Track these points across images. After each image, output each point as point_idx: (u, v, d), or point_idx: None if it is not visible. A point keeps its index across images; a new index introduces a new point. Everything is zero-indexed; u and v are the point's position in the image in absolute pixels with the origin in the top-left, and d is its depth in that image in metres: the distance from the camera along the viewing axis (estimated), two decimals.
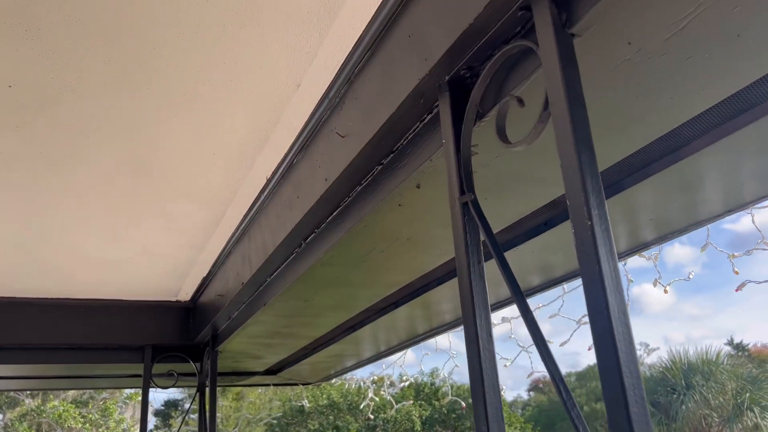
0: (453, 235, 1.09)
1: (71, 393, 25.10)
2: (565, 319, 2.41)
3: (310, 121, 1.68)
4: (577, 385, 41.30)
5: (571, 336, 2.28)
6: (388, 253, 1.97)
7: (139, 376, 3.67)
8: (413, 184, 1.45)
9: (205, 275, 3.09)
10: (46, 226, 2.36)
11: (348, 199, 1.70)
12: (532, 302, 2.74)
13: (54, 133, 1.74)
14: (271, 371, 4.18)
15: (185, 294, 3.39)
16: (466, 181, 1.09)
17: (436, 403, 23.13)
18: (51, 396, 24.41)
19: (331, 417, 22.29)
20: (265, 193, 2.13)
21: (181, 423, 4.02)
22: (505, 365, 2.60)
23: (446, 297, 2.69)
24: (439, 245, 1.93)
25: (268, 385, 4.57)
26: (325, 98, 1.59)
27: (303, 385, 4.66)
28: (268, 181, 2.08)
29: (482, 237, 1.08)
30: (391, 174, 1.50)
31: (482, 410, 0.96)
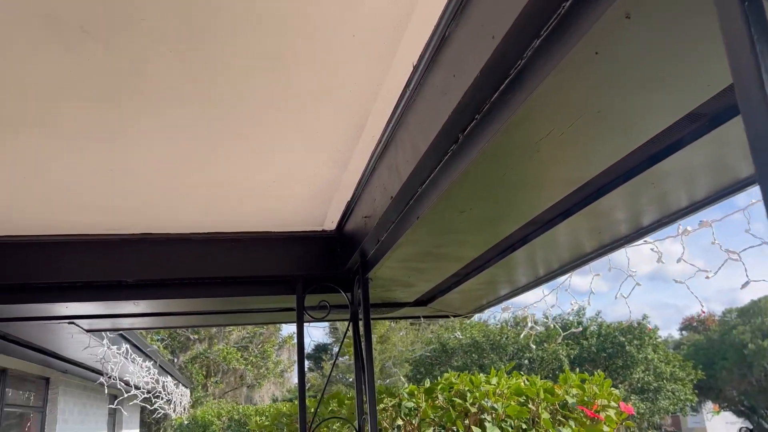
0: (726, 51, 0.73)
1: (233, 338, 27.52)
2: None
3: None
4: (740, 322, 38.10)
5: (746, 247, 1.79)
6: (567, 137, 1.61)
7: (291, 309, 3.67)
8: (620, 14, 1.08)
9: (349, 199, 2.92)
10: (189, 148, 2.27)
11: (521, 62, 1.37)
12: (690, 221, 2.19)
13: (184, 25, 1.58)
14: (420, 302, 4.01)
15: (330, 222, 3.27)
16: None
17: (585, 342, 22.30)
18: (215, 340, 26.91)
19: (474, 355, 22.38)
20: (412, 84, 1.85)
21: (336, 355, 4.01)
22: (707, 276, 2.16)
23: (623, 203, 2.27)
24: (639, 122, 1.54)
25: (417, 317, 4.43)
26: None
27: (454, 316, 4.47)
28: (415, 68, 1.79)
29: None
30: (586, 9, 1.14)
31: None
